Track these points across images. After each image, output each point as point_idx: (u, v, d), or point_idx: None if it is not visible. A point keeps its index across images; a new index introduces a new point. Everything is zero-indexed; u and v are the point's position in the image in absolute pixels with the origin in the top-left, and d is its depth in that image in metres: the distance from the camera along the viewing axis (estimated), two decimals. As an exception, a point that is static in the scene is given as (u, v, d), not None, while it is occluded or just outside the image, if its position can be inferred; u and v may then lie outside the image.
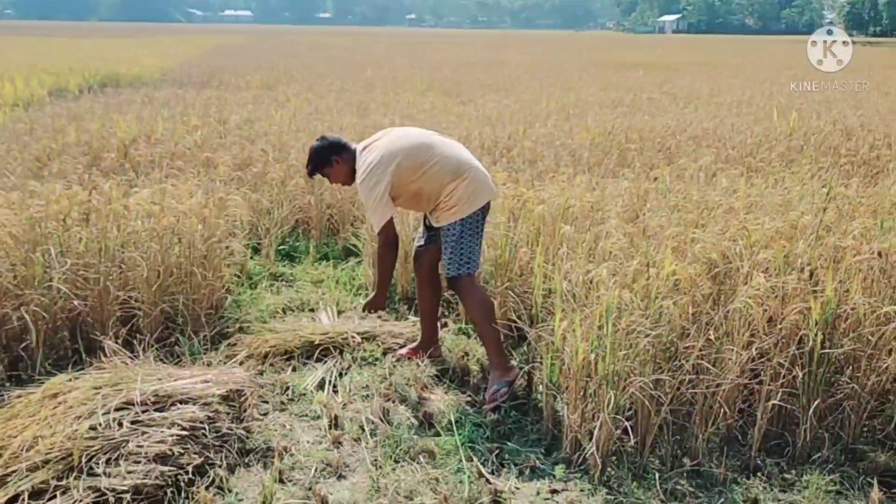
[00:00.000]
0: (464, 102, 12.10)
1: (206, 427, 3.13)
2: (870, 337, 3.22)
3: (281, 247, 5.96)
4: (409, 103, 11.94)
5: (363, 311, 4.18)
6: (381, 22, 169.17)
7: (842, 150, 7.53)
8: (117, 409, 3.06)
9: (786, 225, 4.07)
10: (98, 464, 2.83)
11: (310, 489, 2.99)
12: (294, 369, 4.03)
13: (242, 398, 3.44)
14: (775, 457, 3.23)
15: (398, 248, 4.02)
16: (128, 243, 4.23)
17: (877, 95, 13.73)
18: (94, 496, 2.72)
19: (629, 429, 3.12)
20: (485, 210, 3.88)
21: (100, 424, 2.96)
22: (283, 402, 3.70)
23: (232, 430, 3.22)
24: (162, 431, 3.01)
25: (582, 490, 3.02)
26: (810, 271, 3.48)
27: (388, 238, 3.83)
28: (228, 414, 3.29)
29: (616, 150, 7.67)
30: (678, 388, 3.18)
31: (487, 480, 3.06)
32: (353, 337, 4.24)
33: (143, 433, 2.98)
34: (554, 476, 3.11)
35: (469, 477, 3.07)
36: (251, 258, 5.60)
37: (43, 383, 3.33)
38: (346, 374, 4.00)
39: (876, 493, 2.90)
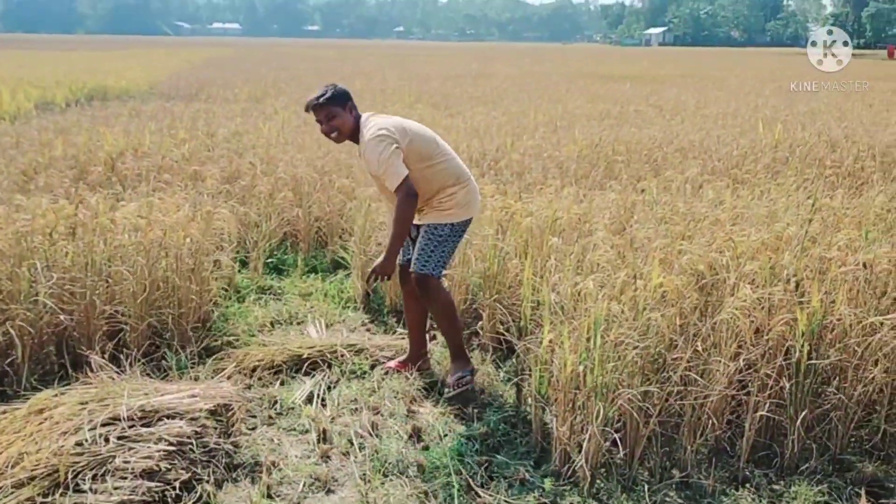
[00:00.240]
0: (452, 115, 12.12)
1: (194, 442, 3.11)
2: (856, 347, 3.23)
3: (269, 260, 5.94)
4: (397, 115, 11.92)
5: (369, 278, 3.79)
6: (370, 35, 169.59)
7: (827, 162, 7.59)
8: (104, 425, 3.04)
9: (772, 236, 4.10)
10: (84, 480, 2.81)
11: (298, 504, 2.97)
12: (282, 383, 4.01)
13: (230, 413, 3.42)
14: (763, 468, 3.24)
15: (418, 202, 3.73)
16: (114, 257, 4.21)
17: (861, 107, 13.86)
18: (80, 513, 2.70)
19: (618, 441, 3.13)
20: (469, 223, 3.94)
21: (86, 440, 2.94)
22: (271, 417, 3.69)
23: (219, 444, 3.20)
24: (149, 447, 2.99)
25: (571, 503, 3.02)
26: (796, 282, 3.50)
27: (410, 189, 3.60)
28: (216, 429, 3.28)
29: (603, 162, 7.70)
30: (666, 400, 3.19)
31: (477, 494, 3.05)
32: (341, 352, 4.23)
33: (130, 449, 2.96)
34: (543, 489, 3.10)
35: (458, 490, 3.06)
36: (239, 271, 5.58)
37: (28, 399, 3.31)
38: (334, 387, 3.98)
39: (863, 504, 2.91)
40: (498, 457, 3.35)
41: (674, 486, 3.12)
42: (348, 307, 5.18)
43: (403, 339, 4.39)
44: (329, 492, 3.10)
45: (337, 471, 3.24)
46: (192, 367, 4.05)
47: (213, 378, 3.87)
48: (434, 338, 4.55)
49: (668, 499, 3.04)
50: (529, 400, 3.60)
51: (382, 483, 3.13)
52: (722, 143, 8.92)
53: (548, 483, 3.13)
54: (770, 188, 6.04)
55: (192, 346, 4.21)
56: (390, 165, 3.58)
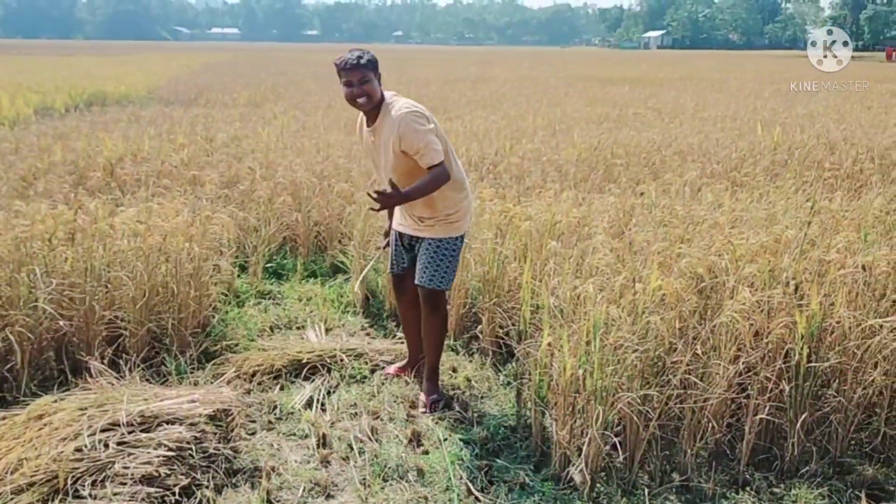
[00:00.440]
0: (451, 119, 12.14)
1: (193, 447, 3.11)
2: (855, 350, 3.24)
3: (268, 264, 5.94)
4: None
5: (373, 193, 3.47)
6: (369, 39, 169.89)
7: (825, 164, 7.60)
8: (103, 431, 3.04)
9: (770, 239, 4.11)
10: (84, 486, 2.81)
11: (298, 509, 2.97)
12: (282, 388, 4.01)
13: (230, 418, 3.42)
14: (764, 471, 3.24)
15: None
16: (114, 262, 4.20)
17: (859, 109, 13.87)
18: (80, 519, 2.70)
19: (618, 444, 3.13)
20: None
21: (85, 446, 2.94)
22: (270, 422, 3.68)
23: (219, 450, 3.20)
24: (148, 452, 2.99)
25: (571, 507, 3.02)
26: (795, 285, 3.51)
27: (444, 168, 3.50)
28: (215, 434, 3.27)
29: (602, 165, 7.71)
30: (666, 403, 3.19)
31: (476, 498, 3.05)
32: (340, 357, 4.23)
33: (130, 454, 2.96)
34: (543, 493, 3.10)
35: (458, 495, 3.06)
36: (238, 276, 5.58)
37: (28, 405, 3.31)
38: (334, 392, 3.98)
39: (864, 507, 2.91)
40: (498, 461, 3.35)
41: (674, 489, 3.12)
42: (348, 311, 5.18)
43: (403, 343, 4.38)
44: (329, 497, 3.10)
45: (337, 476, 3.24)
46: (191, 373, 4.05)
47: (212, 383, 3.87)
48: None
49: (668, 502, 3.04)
50: (529, 404, 3.59)
51: (382, 488, 3.13)
52: (721, 145, 8.93)
53: (548, 487, 3.13)
54: (769, 191, 6.04)
55: (191, 351, 4.21)
56: (430, 141, 3.46)
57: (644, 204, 5.48)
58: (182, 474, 2.99)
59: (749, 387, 3.24)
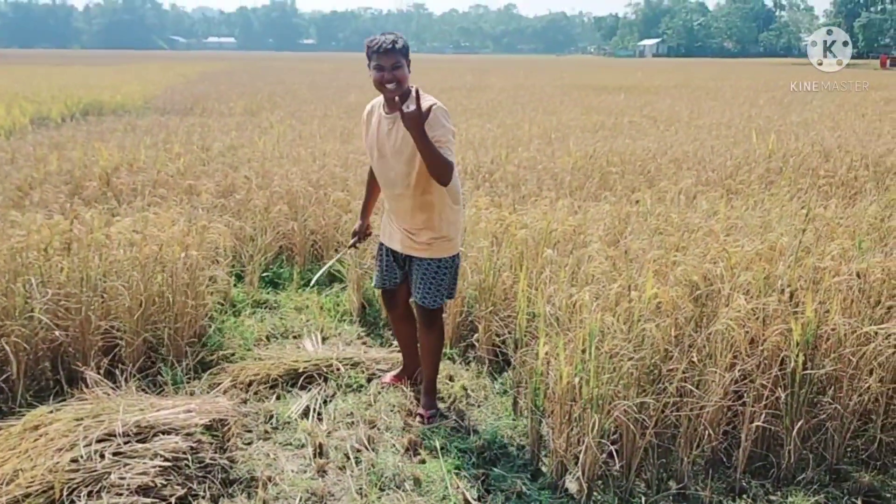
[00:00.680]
0: (447, 127, 12.13)
1: (189, 457, 3.10)
2: (851, 357, 3.24)
3: (265, 274, 5.94)
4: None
5: (399, 100, 3.38)
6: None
7: (820, 172, 7.62)
8: (99, 441, 3.03)
9: (765, 247, 4.12)
10: (80, 497, 2.80)
11: (294, 519, 2.97)
12: (278, 397, 4.01)
13: (226, 427, 3.41)
14: (760, 478, 3.24)
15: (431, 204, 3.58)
16: (110, 272, 4.20)
17: (854, 116, 13.93)
18: (75, 530, 2.69)
19: (614, 453, 3.13)
20: None
21: (81, 456, 2.93)
22: (267, 431, 3.68)
23: (215, 460, 3.19)
24: (144, 463, 2.98)
25: (568, 515, 3.02)
26: (790, 293, 3.52)
27: (454, 167, 3.40)
28: (212, 444, 3.27)
29: (598, 173, 7.73)
30: (662, 411, 3.19)
31: (473, 507, 3.04)
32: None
33: (126, 465, 2.95)
34: (540, 502, 3.10)
35: (455, 504, 3.06)
36: (234, 286, 5.58)
37: (24, 415, 3.29)
38: (330, 401, 3.98)
39: (860, 514, 2.92)
40: (494, 470, 3.34)
41: (671, 497, 3.12)
42: (344, 320, 5.18)
43: (399, 352, 4.38)
44: (325, 506, 3.09)
45: (333, 485, 3.23)
46: (187, 382, 4.04)
47: (208, 393, 3.86)
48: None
49: (665, 510, 3.04)
50: (525, 412, 3.60)
51: (379, 497, 3.12)
52: (716, 153, 8.96)
53: (544, 496, 3.13)
54: (764, 198, 6.06)
55: (187, 361, 4.21)
56: (450, 140, 3.37)
57: (639, 212, 5.49)
58: (178, 485, 2.98)
59: (745, 394, 3.25)
